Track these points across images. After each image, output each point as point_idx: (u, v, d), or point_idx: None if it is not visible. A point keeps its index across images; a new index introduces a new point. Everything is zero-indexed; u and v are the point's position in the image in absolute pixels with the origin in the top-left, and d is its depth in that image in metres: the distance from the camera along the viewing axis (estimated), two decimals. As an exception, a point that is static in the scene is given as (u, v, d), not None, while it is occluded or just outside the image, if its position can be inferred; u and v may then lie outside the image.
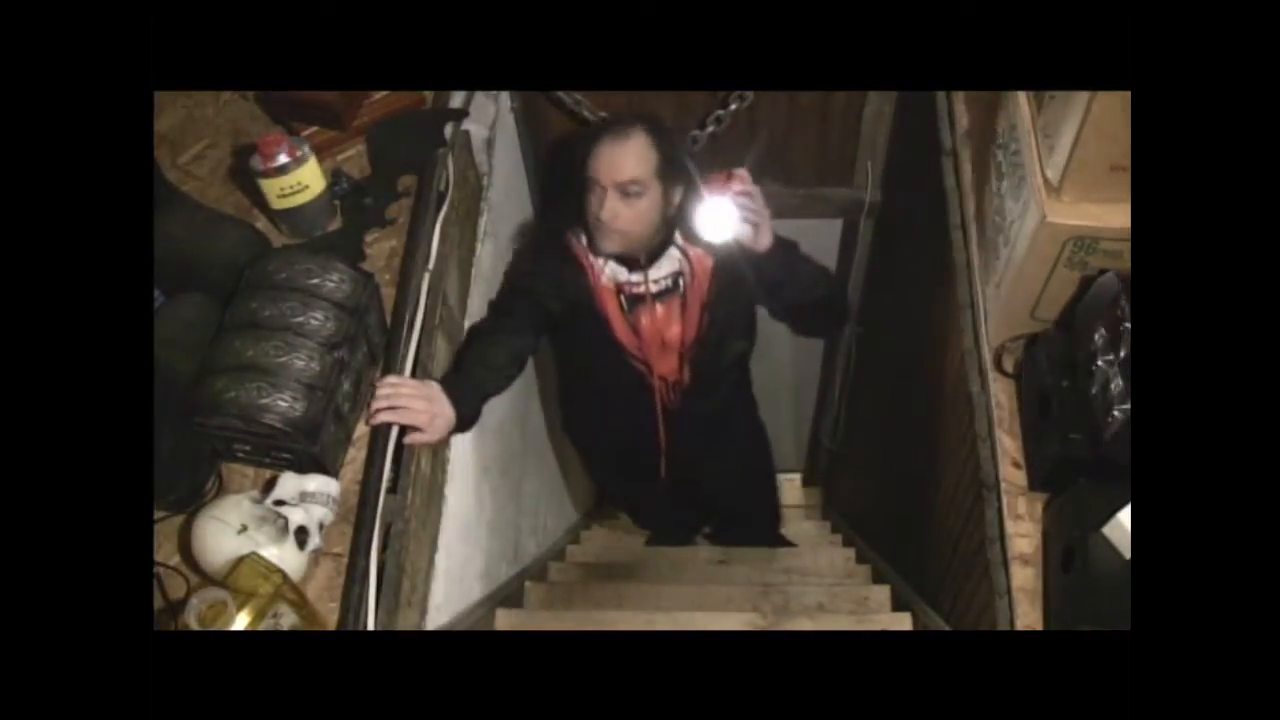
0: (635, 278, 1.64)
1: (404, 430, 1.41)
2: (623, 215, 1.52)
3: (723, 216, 1.47)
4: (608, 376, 1.80)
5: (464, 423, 1.51)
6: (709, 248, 1.60)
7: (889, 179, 2.44)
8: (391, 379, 1.40)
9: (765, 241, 1.52)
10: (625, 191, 1.50)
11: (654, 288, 1.65)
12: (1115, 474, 1.19)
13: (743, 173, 1.47)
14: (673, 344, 1.71)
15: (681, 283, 1.65)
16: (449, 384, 1.49)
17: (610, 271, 1.64)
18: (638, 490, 2.53)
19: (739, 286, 1.64)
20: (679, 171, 1.54)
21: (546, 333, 1.73)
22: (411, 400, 1.39)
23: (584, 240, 1.63)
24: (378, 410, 1.37)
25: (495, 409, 2.04)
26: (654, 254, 1.62)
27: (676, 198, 1.56)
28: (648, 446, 1.94)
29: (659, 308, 1.67)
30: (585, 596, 2.38)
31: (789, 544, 2.94)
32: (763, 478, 2.60)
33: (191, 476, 1.32)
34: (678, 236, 1.62)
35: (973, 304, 1.59)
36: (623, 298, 1.66)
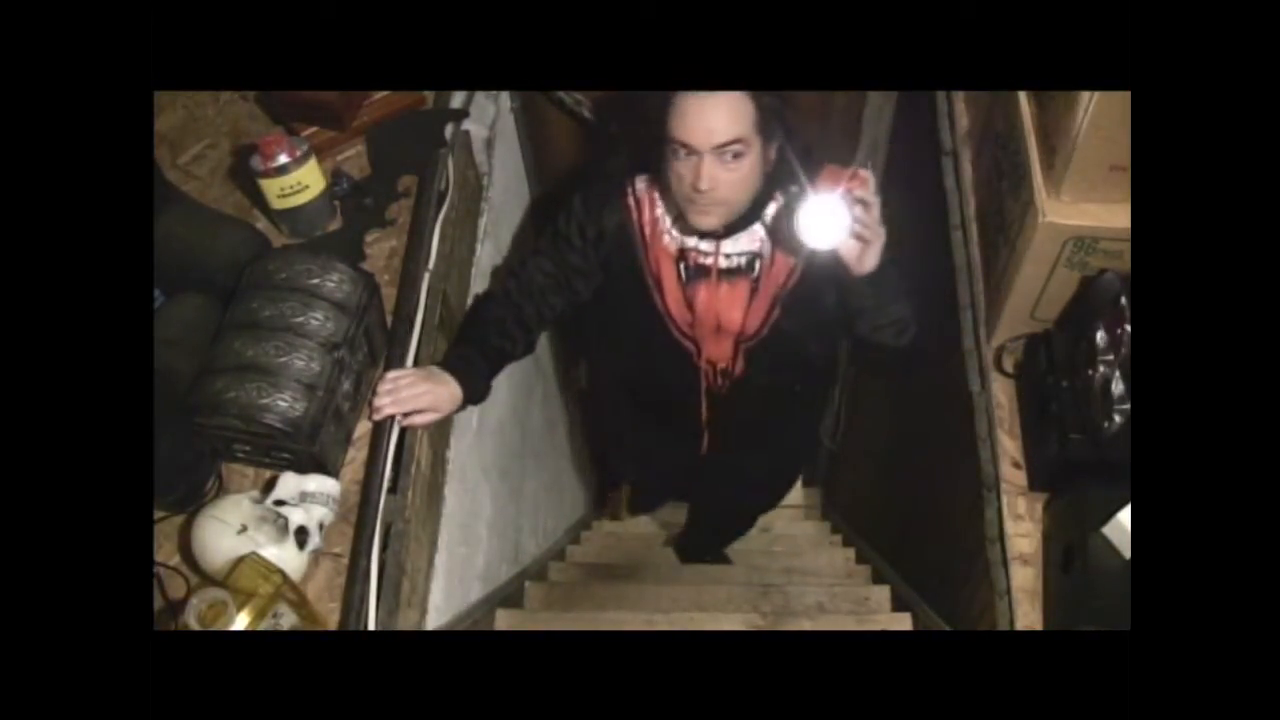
0: (705, 246, 1.42)
1: (404, 430, 1.41)
2: (724, 183, 1.28)
3: (828, 219, 1.20)
4: (648, 344, 1.58)
5: (473, 394, 1.43)
6: (796, 247, 1.34)
7: (889, 179, 2.44)
8: (391, 374, 1.38)
9: (869, 264, 1.27)
10: (726, 155, 1.26)
11: (724, 263, 1.43)
12: (1115, 474, 1.19)
13: (867, 174, 1.23)
14: (730, 330, 1.51)
15: (758, 265, 1.42)
16: (449, 359, 1.43)
17: (675, 233, 1.43)
18: (660, 453, 2.11)
19: (821, 293, 1.43)
20: (776, 123, 1.30)
21: (571, 296, 1.54)
22: (412, 387, 1.36)
23: (657, 204, 1.43)
24: (380, 405, 1.36)
25: (495, 410, 2.04)
26: (735, 224, 1.39)
27: (773, 154, 1.33)
28: (688, 418, 1.74)
29: (724, 286, 1.45)
30: (585, 597, 2.38)
31: (725, 560, 2.82)
32: (766, 502, 2.43)
33: (191, 476, 1.32)
34: (768, 211, 1.39)
35: (973, 304, 1.59)
36: (683, 266, 1.45)
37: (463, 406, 1.43)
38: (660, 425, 1.88)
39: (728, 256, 1.42)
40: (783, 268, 1.42)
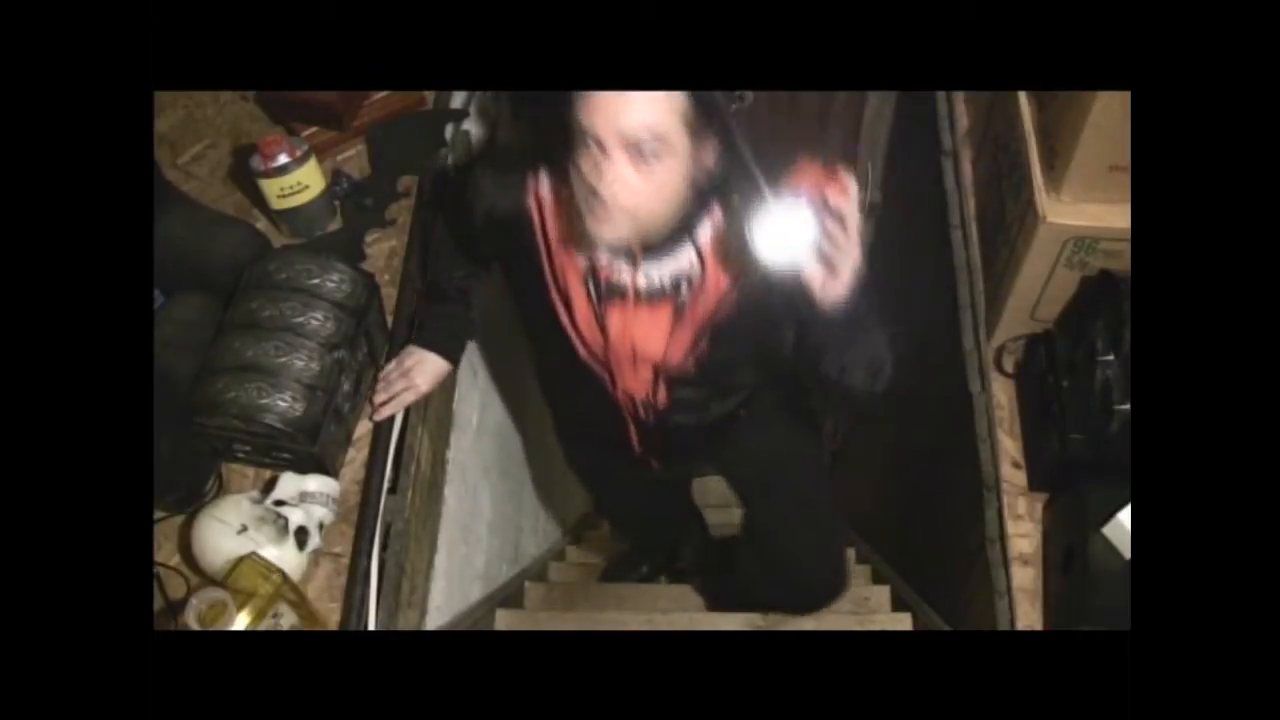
0: (620, 263, 1.16)
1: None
2: (634, 187, 1.03)
3: (789, 230, 0.95)
4: (563, 363, 1.31)
5: (456, 354, 1.46)
6: (739, 264, 1.12)
7: (889, 179, 2.44)
8: (381, 375, 1.43)
9: (836, 293, 0.99)
10: (639, 151, 1.01)
11: (642, 282, 1.17)
12: (1115, 474, 1.19)
13: (848, 179, 0.95)
14: (648, 359, 1.25)
15: (683, 290, 1.17)
16: (419, 333, 1.45)
17: (585, 244, 1.16)
18: (613, 471, 1.80)
19: (762, 325, 1.18)
20: (714, 125, 1.04)
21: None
22: (404, 378, 1.41)
23: (563, 208, 1.16)
24: (379, 406, 1.40)
25: (495, 410, 2.04)
26: (659, 244, 1.13)
27: (709, 158, 1.06)
28: (622, 446, 1.46)
29: (642, 311, 1.19)
30: (585, 597, 2.38)
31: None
32: (825, 534, 1.79)
33: (191, 476, 1.32)
34: (701, 228, 1.13)
35: (973, 304, 1.59)
36: (593, 283, 1.19)
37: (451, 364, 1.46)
38: (603, 450, 1.59)
39: (648, 276, 1.16)
40: (714, 293, 1.16)
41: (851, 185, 0.95)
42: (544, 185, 1.19)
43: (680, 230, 1.13)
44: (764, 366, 1.34)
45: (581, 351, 1.26)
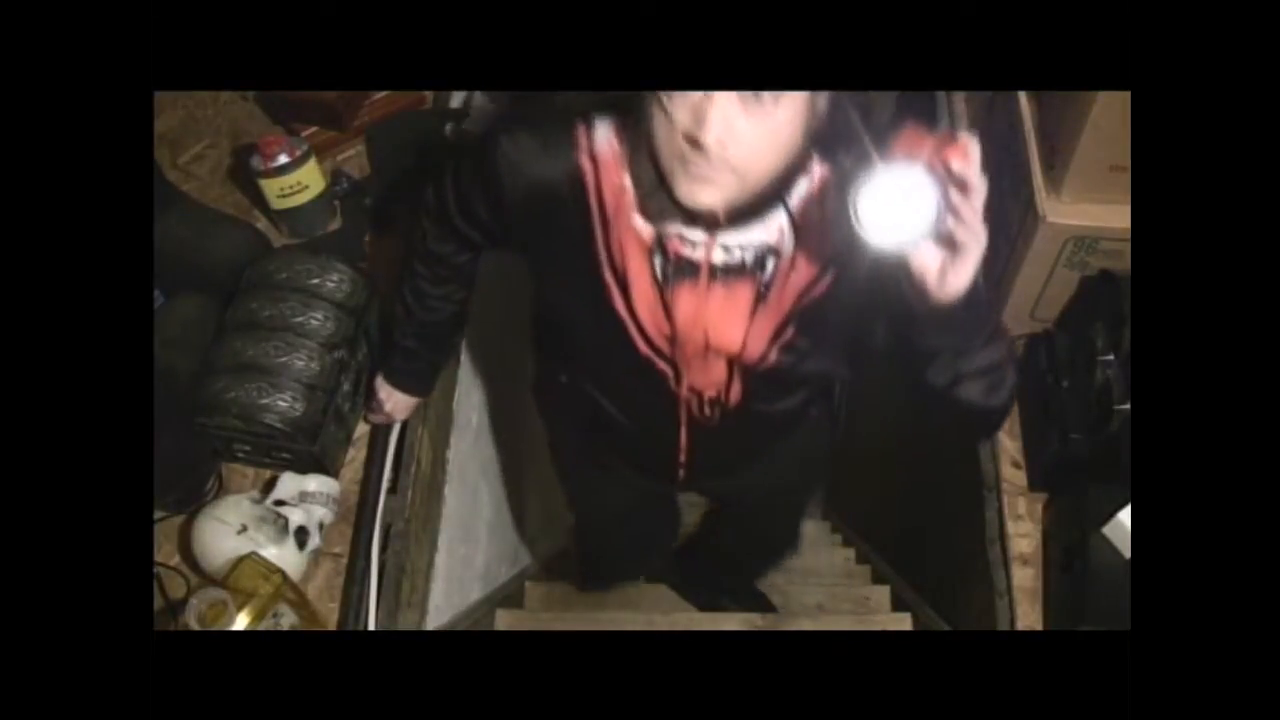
0: (694, 233, 0.96)
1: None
2: (744, 137, 0.82)
3: (904, 204, 0.77)
4: (605, 361, 1.12)
5: (423, 392, 1.40)
6: (839, 243, 0.93)
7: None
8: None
9: (957, 285, 0.81)
10: (749, 95, 0.81)
11: (721, 257, 0.97)
12: (1115, 474, 1.19)
13: (971, 143, 0.77)
14: (724, 351, 1.04)
15: (771, 265, 0.97)
16: (386, 370, 1.35)
17: (652, 211, 0.97)
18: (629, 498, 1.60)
19: (859, 312, 0.98)
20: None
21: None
22: (375, 415, 1.40)
23: (626, 168, 0.96)
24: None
25: (496, 410, 2.04)
26: (746, 211, 0.92)
27: (824, 103, 0.87)
28: (659, 457, 1.25)
29: (718, 291, 0.99)
30: (585, 597, 2.38)
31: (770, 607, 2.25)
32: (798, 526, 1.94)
33: (191, 476, 1.32)
34: (798, 187, 0.93)
35: (973, 304, 1.59)
36: (659, 260, 0.98)
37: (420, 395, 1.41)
38: (624, 461, 1.38)
39: (727, 249, 0.96)
40: (807, 270, 0.97)
41: (976, 151, 0.77)
42: (601, 139, 0.97)
43: (771, 196, 0.92)
44: (853, 361, 1.14)
45: (641, 345, 1.05)
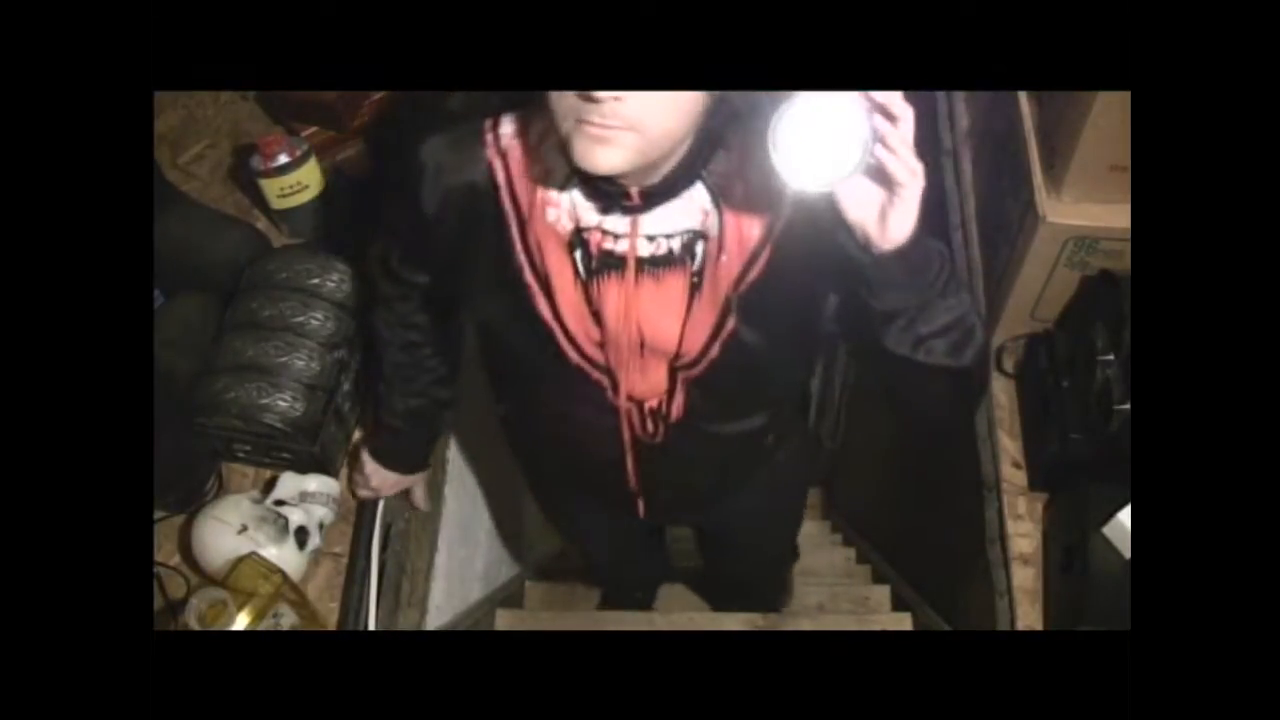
0: (614, 224, 0.91)
1: None
2: (640, 95, 0.77)
3: (830, 138, 0.72)
4: (536, 373, 1.06)
5: (415, 469, 1.34)
6: (771, 201, 0.87)
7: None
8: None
9: (900, 230, 0.78)
10: None
11: (646, 248, 0.92)
12: (1115, 474, 1.19)
13: (902, 104, 0.74)
14: (661, 349, 0.98)
15: (701, 251, 0.92)
16: (372, 449, 1.31)
17: (567, 203, 0.92)
18: (603, 528, 1.57)
19: (806, 283, 0.92)
20: None
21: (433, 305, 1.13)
22: (363, 491, 1.34)
23: (537, 157, 0.92)
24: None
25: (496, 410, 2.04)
26: (663, 188, 0.88)
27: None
28: (610, 480, 1.17)
29: (648, 284, 0.93)
30: (585, 596, 2.38)
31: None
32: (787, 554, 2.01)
33: (191, 476, 1.32)
34: (717, 163, 0.88)
35: (973, 304, 1.59)
36: (580, 254, 0.93)
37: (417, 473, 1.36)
38: (586, 494, 1.32)
39: (651, 239, 0.91)
40: (739, 252, 0.90)
41: (908, 109, 0.74)
42: (505, 130, 0.93)
43: (688, 171, 0.87)
44: (806, 353, 1.10)
45: (571, 353, 0.99)
